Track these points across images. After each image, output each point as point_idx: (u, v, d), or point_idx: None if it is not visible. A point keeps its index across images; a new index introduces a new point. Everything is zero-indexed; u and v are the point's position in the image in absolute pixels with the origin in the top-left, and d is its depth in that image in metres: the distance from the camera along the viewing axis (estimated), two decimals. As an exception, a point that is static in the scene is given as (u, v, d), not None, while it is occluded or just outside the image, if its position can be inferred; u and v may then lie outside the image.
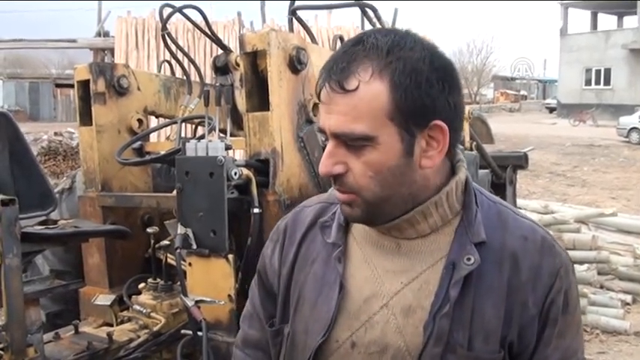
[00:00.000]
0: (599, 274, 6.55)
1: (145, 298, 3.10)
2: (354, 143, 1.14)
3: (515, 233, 1.23)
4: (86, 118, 3.45)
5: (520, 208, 6.26)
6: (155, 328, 2.95)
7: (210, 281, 2.66)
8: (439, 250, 1.22)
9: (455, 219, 1.24)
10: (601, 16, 41.47)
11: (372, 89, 1.11)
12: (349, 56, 1.13)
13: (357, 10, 3.36)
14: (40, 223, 2.81)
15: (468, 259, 1.18)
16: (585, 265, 6.41)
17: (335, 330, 1.24)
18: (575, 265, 6.13)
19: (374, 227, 1.26)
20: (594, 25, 41.52)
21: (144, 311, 3.04)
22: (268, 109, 2.68)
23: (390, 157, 1.14)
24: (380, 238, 1.26)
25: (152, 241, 3.14)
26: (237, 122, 3.46)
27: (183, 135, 3.43)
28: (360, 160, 1.15)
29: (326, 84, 1.14)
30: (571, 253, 6.50)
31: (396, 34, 1.16)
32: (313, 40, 3.37)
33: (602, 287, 6.55)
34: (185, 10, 3.49)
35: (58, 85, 39.23)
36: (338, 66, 1.13)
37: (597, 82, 38.74)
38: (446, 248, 1.22)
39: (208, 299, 2.55)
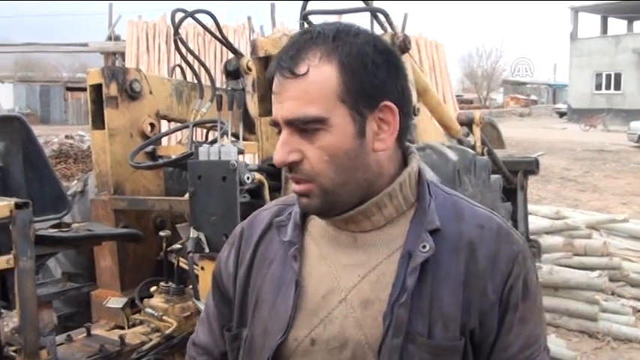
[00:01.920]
0: (610, 280, 6.48)
1: (157, 301, 3.11)
2: (307, 127, 1.15)
3: (471, 222, 1.24)
4: (99, 122, 3.47)
5: (531, 214, 6.25)
6: (167, 332, 2.96)
7: (222, 285, 2.66)
8: (394, 241, 1.22)
9: (410, 210, 1.25)
10: (611, 20, 41.27)
11: (321, 72, 1.14)
12: (298, 45, 1.16)
13: (367, 15, 3.37)
14: (54, 226, 2.82)
15: (423, 247, 1.18)
16: (597, 272, 6.36)
17: (294, 329, 1.23)
18: (587, 272, 6.13)
19: (331, 220, 1.26)
20: (604, 30, 41.33)
21: (156, 314, 3.05)
22: (281, 114, 2.69)
23: (343, 140, 1.16)
24: (337, 234, 1.26)
25: (164, 245, 3.16)
26: (249, 126, 3.48)
27: (194, 139, 3.44)
28: (315, 146, 1.16)
29: (277, 73, 1.17)
30: (582, 259, 6.48)
31: (341, 24, 1.20)
32: (325, 44, 3.36)
33: (613, 294, 6.49)
34: (196, 15, 3.51)
35: (69, 89, 39.44)
36: (287, 54, 1.16)
37: (608, 87, 38.55)
38: (401, 239, 1.22)
39: (220, 303, 2.55)
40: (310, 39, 1.16)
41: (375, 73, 1.16)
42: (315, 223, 1.30)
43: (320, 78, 1.14)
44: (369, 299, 1.20)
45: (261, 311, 1.28)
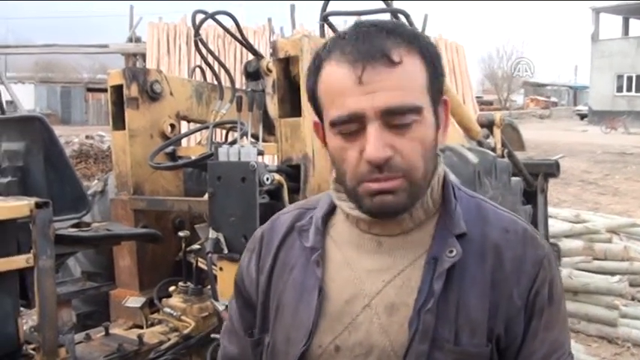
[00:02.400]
0: (630, 285, 6.39)
1: (176, 301, 3.12)
2: (403, 120, 1.11)
3: (496, 225, 1.22)
4: (119, 123, 3.49)
5: (551, 217, 6.19)
6: (185, 332, 2.97)
7: (240, 286, 2.66)
8: (420, 246, 1.21)
9: (435, 214, 1.23)
10: (633, 21, 40.85)
11: (412, 62, 1.13)
12: (375, 36, 1.13)
13: (387, 16, 3.35)
14: (73, 226, 2.84)
15: (450, 252, 1.17)
16: (617, 277, 6.28)
17: (317, 335, 1.21)
18: (607, 277, 6.06)
19: (355, 222, 1.24)
20: (626, 31, 40.94)
21: (174, 314, 3.06)
22: (300, 115, 2.69)
23: (430, 131, 1.16)
24: (360, 238, 1.24)
25: (183, 245, 3.17)
26: (269, 128, 3.48)
27: (214, 140, 3.45)
28: (408, 137, 1.12)
29: (366, 62, 1.10)
30: (602, 263, 6.41)
31: (392, 22, 1.21)
32: (344, 45, 3.36)
33: (633, 299, 6.40)
34: (216, 16, 3.52)
35: (89, 90, 39.82)
36: (370, 44, 1.11)
37: (629, 89, 38.19)
38: (427, 243, 1.20)
39: (239, 304, 2.55)
40: (384, 31, 1.13)
41: (441, 68, 1.18)
42: (338, 228, 1.28)
43: (413, 68, 1.13)
44: (395, 305, 1.18)
45: (283, 317, 1.27)
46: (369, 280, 1.21)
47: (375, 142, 1.10)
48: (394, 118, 1.11)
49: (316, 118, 1.25)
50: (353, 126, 1.13)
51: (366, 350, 1.18)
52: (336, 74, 1.13)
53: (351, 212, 1.23)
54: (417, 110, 1.12)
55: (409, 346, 1.14)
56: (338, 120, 1.13)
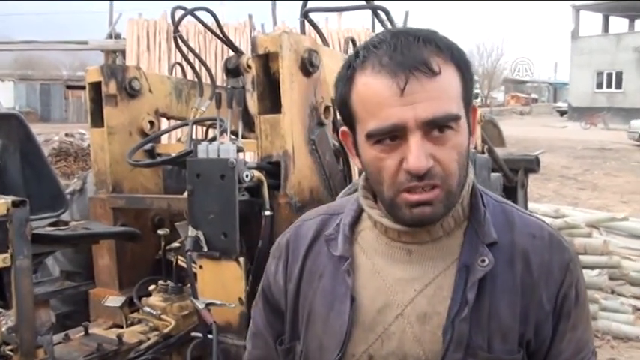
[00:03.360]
0: (610, 279, 6.49)
1: (155, 299, 3.10)
2: (443, 130, 1.12)
3: (523, 231, 1.24)
4: (97, 120, 3.46)
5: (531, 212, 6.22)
6: (165, 330, 2.95)
7: (220, 284, 2.65)
8: (451, 254, 1.21)
9: (464, 222, 1.24)
10: (612, 19, 41.28)
11: (450, 71, 1.13)
12: (412, 45, 1.12)
13: (367, 13, 3.35)
14: (51, 225, 2.81)
15: (482, 261, 1.17)
16: (596, 270, 6.36)
17: (350, 344, 1.21)
18: (586, 270, 6.11)
19: (384, 231, 1.25)
20: (606, 28, 41.35)
21: (154, 313, 3.04)
22: (280, 112, 2.68)
23: (465, 139, 1.16)
24: (389, 247, 1.25)
25: (163, 243, 3.14)
26: (249, 125, 3.46)
27: (194, 137, 3.43)
28: (447, 146, 1.12)
29: (409, 72, 1.09)
30: (582, 257, 6.45)
31: (425, 30, 1.19)
32: (325, 42, 3.36)
33: (613, 292, 6.49)
34: (196, 13, 3.50)
35: (69, 87, 39.51)
36: (408, 54, 1.10)
37: (609, 86, 38.56)
38: (457, 251, 1.21)
39: (219, 302, 2.55)
40: (419, 40, 1.12)
41: (472, 75, 1.19)
42: (365, 235, 1.29)
43: (450, 77, 1.13)
44: (427, 313, 1.19)
45: (315, 326, 1.27)
46: (400, 289, 1.22)
47: (418, 153, 1.10)
48: (435, 128, 1.11)
49: (344, 127, 1.24)
50: (392, 137, 1.12)
51: (400, 359, 1.19)
52: (374, 85, 1.12)
53: (381, 220, 1.24)
54: (456, 119, 1.12)
55: (444, 354, 1.15)
56: (377, 132, 1.12)
